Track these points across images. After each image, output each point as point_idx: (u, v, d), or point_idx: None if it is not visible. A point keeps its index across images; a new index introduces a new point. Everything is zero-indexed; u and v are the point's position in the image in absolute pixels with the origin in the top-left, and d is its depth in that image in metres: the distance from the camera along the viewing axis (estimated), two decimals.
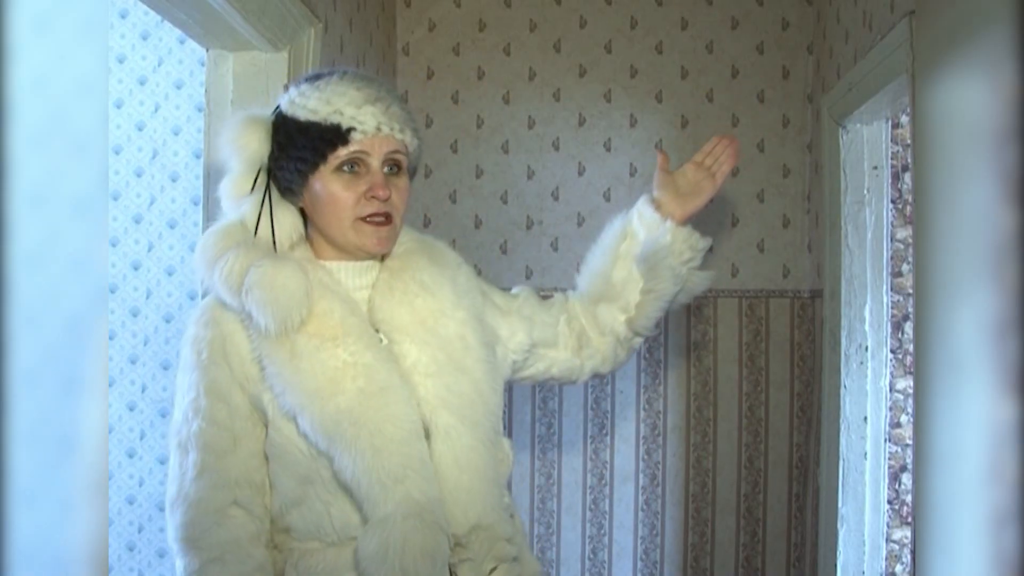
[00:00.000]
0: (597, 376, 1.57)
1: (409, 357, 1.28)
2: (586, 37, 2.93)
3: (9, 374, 0.61)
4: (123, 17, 2.66)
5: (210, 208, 1.79)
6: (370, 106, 1.26)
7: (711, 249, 1.58)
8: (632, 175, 2.90)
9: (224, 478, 1.24)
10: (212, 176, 1.85)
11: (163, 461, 2.67)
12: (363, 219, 1.27)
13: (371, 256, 1.33)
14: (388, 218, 1.28)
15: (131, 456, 2.68)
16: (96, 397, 0.70)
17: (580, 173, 2.92)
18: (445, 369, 1.28)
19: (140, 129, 2.67)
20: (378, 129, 1.26)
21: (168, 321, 2.66)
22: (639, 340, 1.55)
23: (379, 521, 1.19)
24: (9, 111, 0.61)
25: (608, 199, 2.90)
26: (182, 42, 2.62)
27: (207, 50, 1.93)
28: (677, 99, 2.91)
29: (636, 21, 2.92)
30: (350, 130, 1.25)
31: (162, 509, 2.68)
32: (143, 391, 2.67)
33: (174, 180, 2.67)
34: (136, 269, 2.67)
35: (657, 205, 1.52)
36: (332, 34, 2.20)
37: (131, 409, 2.67)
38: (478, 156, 2.95)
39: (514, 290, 1.53)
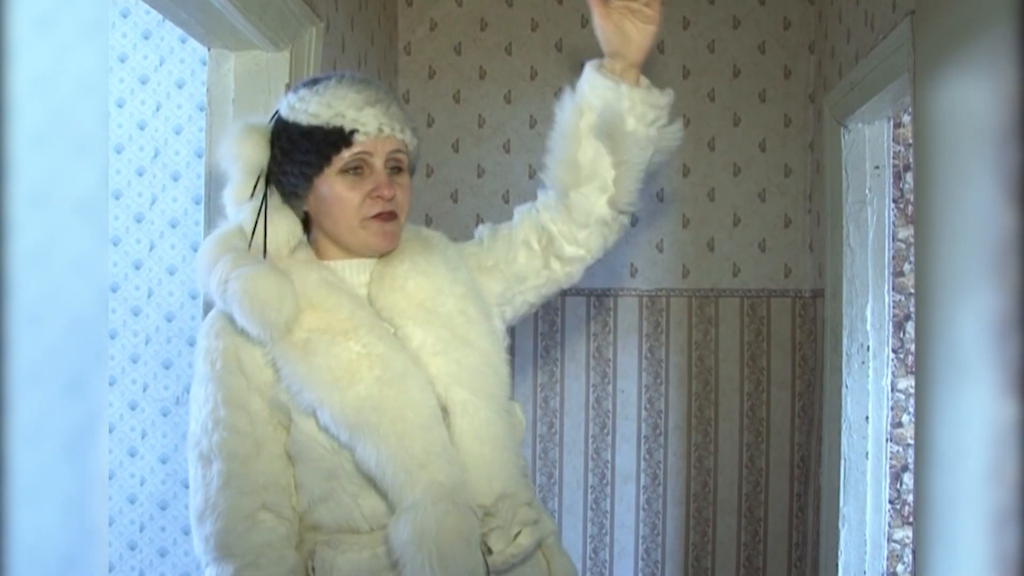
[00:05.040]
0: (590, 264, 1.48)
1: (415, 339, 1.29)
2: (588, 36, 2.92)
3: (9, 374, 0.61)
4: (125, 16, 2.66)
5: (212, 207, 1.80)
6: (371, 108, 1.28)
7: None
8: None
9: (251, 484, 1.25)
10: (214, 175, 1.85)
11: (164, 460, 2.68)
12: (370, 218, 1.29)
13: (376, 253, 1.34)
14: (393, 215, 1.31)
15: (132, 455, 2.68)
16: (97, 397, 0.71)
17: None
18: (452, 345, 1.30)
19: (142, 128, 2.67)
20: (380, 130, 1.28)
21: (169, 320, 2.67)
22: (625, 218, 1.44)
23: (409, 508, 1.19)
24: (9, 111, 0.61)
25: None
26: (184, 41, 2.63)
27: (208, 49, 1.93)
28: (678, 98, 2.84)
29: None
30: (353, 132, 1.27)
31: (163, 508, 2.69)
32: (144, 390, 2.67)
33: (176, 179, 2.67)
34: (137, 268, 2.67)
35: (608, 69, 1.46)
36: (333, 33, 2.20)
37: (132, 408, 2.67)
38: (479, 155, 2.95)
39: (476, 234, 1.48)
